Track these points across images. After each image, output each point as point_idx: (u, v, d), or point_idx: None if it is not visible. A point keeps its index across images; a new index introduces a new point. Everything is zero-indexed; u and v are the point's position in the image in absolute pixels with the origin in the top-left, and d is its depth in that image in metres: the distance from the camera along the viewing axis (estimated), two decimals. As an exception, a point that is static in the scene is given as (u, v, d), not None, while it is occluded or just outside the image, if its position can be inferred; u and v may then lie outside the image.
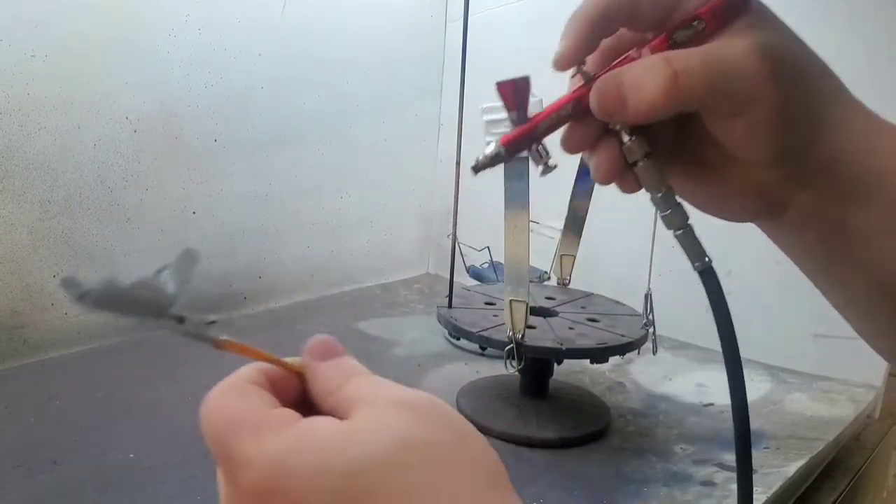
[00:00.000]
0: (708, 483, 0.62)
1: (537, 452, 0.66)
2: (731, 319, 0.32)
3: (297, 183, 1.06)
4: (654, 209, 0.34)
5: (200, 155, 0.93)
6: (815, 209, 0.32)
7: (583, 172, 0.79)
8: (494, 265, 1.05)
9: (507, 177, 0.63)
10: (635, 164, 0.33)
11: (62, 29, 0.78)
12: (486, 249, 1.04)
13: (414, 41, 1.18)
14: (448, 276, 0.81)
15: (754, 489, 0.61)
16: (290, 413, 0.24)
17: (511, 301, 0.65)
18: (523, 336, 0.66)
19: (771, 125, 0.30)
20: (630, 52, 0.33)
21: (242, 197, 0.99)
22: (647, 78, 0.30)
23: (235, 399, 0.25)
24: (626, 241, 0.92)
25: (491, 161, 0.32)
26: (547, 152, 0.33)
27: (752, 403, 0.82)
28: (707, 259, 0.33)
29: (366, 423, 0.23)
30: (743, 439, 0.33)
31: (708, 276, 0.33)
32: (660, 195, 0.33)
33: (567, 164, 0.37)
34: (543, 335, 0.70)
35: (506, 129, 0.33)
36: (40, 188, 0.79)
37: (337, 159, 1.10)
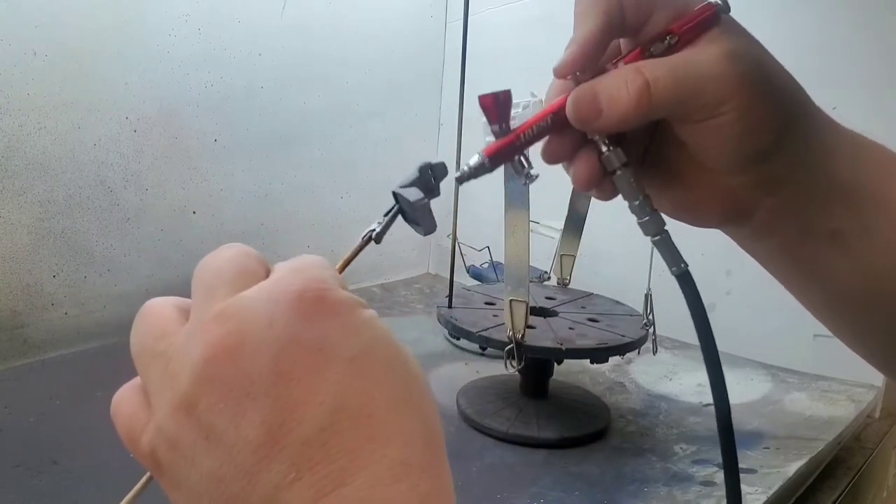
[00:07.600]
0: (708, 483, 0.62)
1: (537, 452, 0.66)
2: (708, 321, 0.34)
3: (297, 183, 1.06)
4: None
5: (200, 155, 0.93)
6: (780, 216, 0.34)
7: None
8: (494, 265, 1.05)
9: (508, 177, 0.63)
10: (613, 172, 0.34)
11: (62, 29, 0.78)
12: (486, 249, 1.04)
13: (414, 41, 1.18)
14: (448, 276, 0.81)
15: (754, 489, 0.61)
16: None
17: (511, 301, 0.65)
18: (523, 336, 0.66)
19: (738, 130, 0.31)
20: (606, 66, 0.34)
21: (242, 197, 0.99)
22: (620, 87, 0.31)
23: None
24: (626, 241, 0.92)
25: (475, 172, 0.33)
26: (529, 162, 0.34)
27: (751, 403, 0.83)
28: (683, 264, 0.34)
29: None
30: (726, 434, 0.34)
31: (685, 281, 0.34)
32: (637, 203, 0.34)
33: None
34: (543, 335, 0.70)
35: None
36: (40, 188, 0.79)
37: (337, 159, 1.10)
